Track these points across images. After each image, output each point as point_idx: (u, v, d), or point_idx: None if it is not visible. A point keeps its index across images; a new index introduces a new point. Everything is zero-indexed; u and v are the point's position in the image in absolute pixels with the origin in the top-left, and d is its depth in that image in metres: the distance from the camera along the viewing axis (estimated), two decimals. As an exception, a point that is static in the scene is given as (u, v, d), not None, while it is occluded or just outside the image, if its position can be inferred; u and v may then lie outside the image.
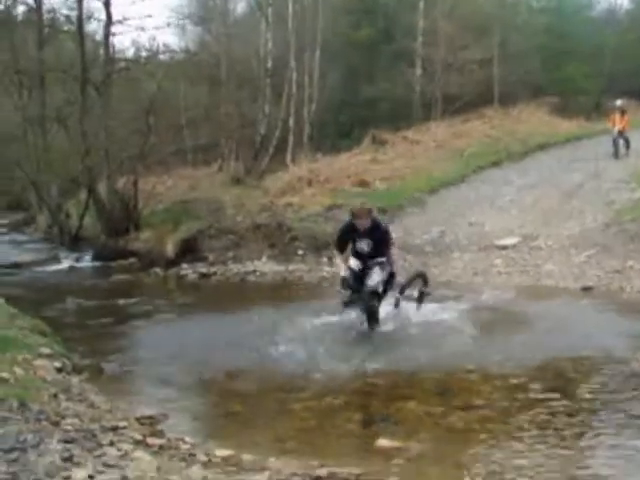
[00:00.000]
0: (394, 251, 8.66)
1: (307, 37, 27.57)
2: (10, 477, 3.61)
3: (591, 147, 22.14)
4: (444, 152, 22.72)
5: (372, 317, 8.09)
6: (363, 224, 8.22)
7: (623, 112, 20.70)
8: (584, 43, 33.24)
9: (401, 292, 8.82)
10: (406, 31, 29.74)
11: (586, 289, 10.62)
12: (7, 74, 22.47)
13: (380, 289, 8.22)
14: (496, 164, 21.52)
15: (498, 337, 8.06)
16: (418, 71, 29.08)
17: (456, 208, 16.62)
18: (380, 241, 8.25)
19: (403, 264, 13.64)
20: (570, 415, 5.41)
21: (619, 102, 21.25)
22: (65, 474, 3.69)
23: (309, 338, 7.77)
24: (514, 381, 6.34)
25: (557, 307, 9.65)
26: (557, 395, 5.87)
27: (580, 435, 5.04)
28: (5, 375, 5.53)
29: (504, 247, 13.57)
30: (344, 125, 29.95)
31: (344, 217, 15.61)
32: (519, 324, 8.67)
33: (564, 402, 5.71)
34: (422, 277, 9.38)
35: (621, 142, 20.25)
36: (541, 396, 5.87)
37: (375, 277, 8.10)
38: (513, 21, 33.02)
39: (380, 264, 8.16)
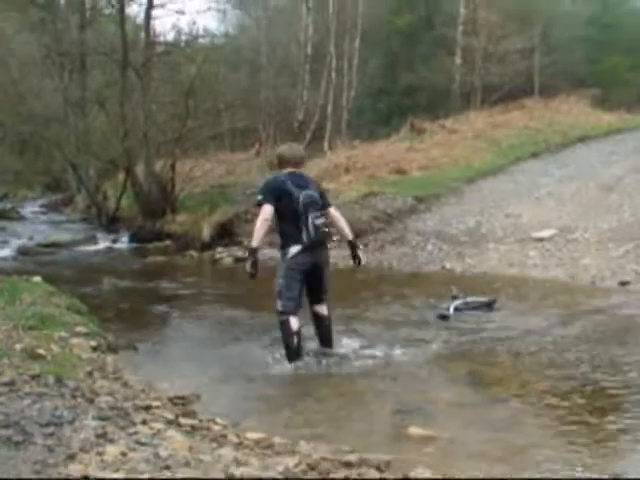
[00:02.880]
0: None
1: (347, 23, 27.50)
2: (46, 450, 3.68)
3: (632, 140, 21.89)
4: (482, 142, 22.57)
5: None
6: None
7: None
8: (628, 34, 32.76)
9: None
10: (447, 19, 29.57)
11: (623, 284, 10.50)
12: (49, 56, 22.72)
13: None
14: (535, 155, 21.35)
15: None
16: (458, 60, 28.90)
17: (493, 199, 16.51)
18: None
19: (439, 253, 13.63)
20: (607, 411, 5.38)
21: None
22: (99, 449, 3.75)
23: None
24: (551, 374, 6.30)
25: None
26: (599, 389, 5.82)
27: (617, 433, 4.99)
28: (42, 352, 5.62)
29: (540, 239, 13.45)
30: (382, 113, 29.86)
31: (380, 205, 15.74)
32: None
33: (605, 397, 5.67)
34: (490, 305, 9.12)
35: None
36: (581, 389, 5.83)
37: None
38: (556, 11, 32.63)
39: None
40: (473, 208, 15.96)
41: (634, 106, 28.92)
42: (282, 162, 6.92)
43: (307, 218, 6.64)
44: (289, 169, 6.86)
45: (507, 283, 11.06)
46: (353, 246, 7.14)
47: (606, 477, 4.16)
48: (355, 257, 7.16)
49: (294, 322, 6.66)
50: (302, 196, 6.66)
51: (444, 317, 8.41)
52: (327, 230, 6.92)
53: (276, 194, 6.66)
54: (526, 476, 4.18)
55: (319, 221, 6.72)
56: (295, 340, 6.66)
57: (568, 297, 9.84)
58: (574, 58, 30.95)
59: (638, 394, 5.64)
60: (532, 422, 5.17)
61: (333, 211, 7.06)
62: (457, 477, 4.05)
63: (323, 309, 7.00)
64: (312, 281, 6.86)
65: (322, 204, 6.86)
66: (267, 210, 6.60)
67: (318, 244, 6.79)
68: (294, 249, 6.69)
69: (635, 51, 32.11)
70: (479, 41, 28.32)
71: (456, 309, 8.72)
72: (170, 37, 24.90)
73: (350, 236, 7.13)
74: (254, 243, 6.71)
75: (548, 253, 12.72)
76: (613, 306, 9.13)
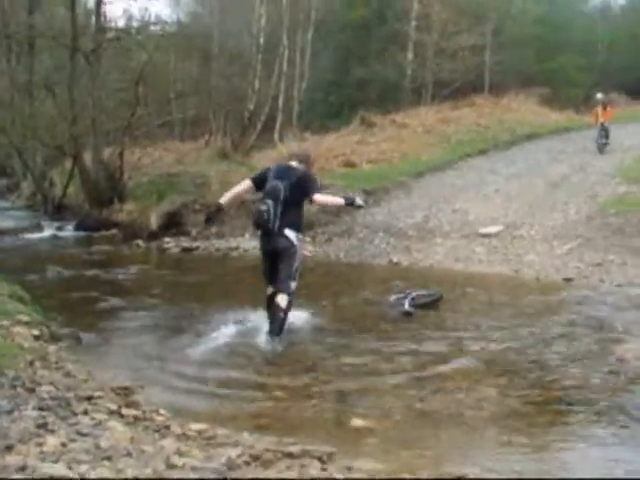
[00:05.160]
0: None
1: (301, 15, 27.46)
2: (-17, 441, 3.62)
3: (579, 139, 22.28)
4: (432, 137, 22.76)
5: None
6: None
7: (605, 106, 20.88)
8: (577, 36, 33.39)
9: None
10: (400, 14, 29.70)
11: (567, 280, 10.69)
12: (-5, 38, 22.27)
13: None
14: (483, 152, 21.60)
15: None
16: (410, 55, 29.06)
17: (441, 194, 16.66)
18: None
19: (386, 247, 13.71)
20: (544, 404, 5.46)
21: (600, 95, 21.56)
22: (38, 440, 3.69)
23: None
24: (491, 368, 6.38)
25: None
26: (533, 384, 5.91)
27: (553, 425, 5.08)
28: (-19, 340, 5.52)
29: (487, 235, 13.62)
30: (333, 105, 29.93)
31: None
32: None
33: (539, 392, 5.75)
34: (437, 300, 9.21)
35: (603, 133, 20.39)
36: (519, 385, 5.91)
37: None
38: (508, 9, 33.01)
39: None
40: (421, 203, 16.09)
41: (582, 106, 29.41)
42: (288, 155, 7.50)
43: (265, 204, 7.23)
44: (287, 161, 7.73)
45: (452, 277, 11.18)
46: (350, 204, 7.64)
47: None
48: (358, 207, 7.89)
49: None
50: (268, 185, 7.29)
51: (408, 314, 8.44)
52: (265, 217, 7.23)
53: (260, 176, 7.53)
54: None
55: (263, 207, 7.21)
56: None
57: (512, 292, 9.98)
58: (524, 57, 31.38)
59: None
60: (471, 414, 5.24)
61: (317, 197, 7.43)
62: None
63: (279, 298, 7.17)
64: (272, 267, 7.37)
65: (290, 197, 7.22)
66: (244, 182, 7.64)
67: (268, 231, 7.26)
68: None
69: (584, 52, 32.68)
70: (431, 37, 28.50)
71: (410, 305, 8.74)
72: (121, 23, 24.60)
73: (342, 202, 7.70)
74: (221, 200, 7.58)
75: (494, 249, 12.89)
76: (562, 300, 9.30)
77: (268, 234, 7.29)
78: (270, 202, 7.19)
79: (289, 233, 7.28)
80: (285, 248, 7.26)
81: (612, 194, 15.12)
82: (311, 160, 8.09)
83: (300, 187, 7.29)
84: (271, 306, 7.34)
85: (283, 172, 7.43)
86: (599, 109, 20.80)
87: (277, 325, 7.15)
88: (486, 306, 9.13)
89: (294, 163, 7.59)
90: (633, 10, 39.15)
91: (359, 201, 7.80)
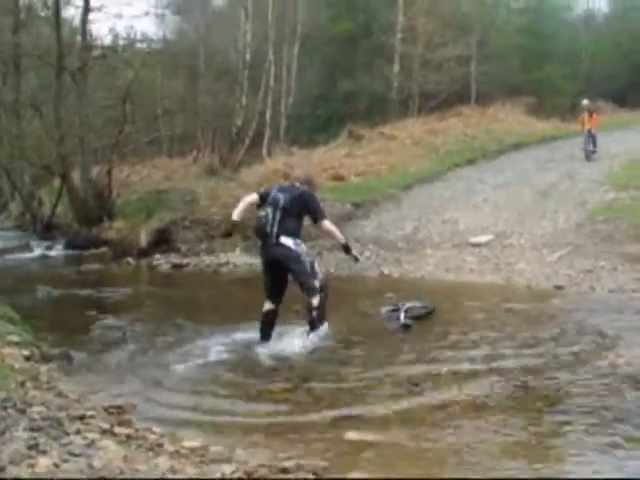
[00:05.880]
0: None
1: (286, 30, 27.53)
2: (-27, 464, 3.58)
3: (566, 148, 22.37)
4: (420, 149, 22.83)
5: None
6: None
7: (591, 113, 20.94)
8: (562, 45, 33.58)
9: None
10: (385, 27, 29.80)
11: (558, 288, 10.70)
12: (-19, 58, 22.23)
13: None
14: (471, 162, 21.68)
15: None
16: (396, 67, 29.14)
17: (430, 205, 16.69)
18: None
19: (376, 259, 13.70)
20: (539, 411, 5.45)
21: (585, 102, 21.60)
22: (30, 462, 3.66)
23: (279, 330, 7.76)
24: (482, 379, 6.36)
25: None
26: (527, 393, 5.91)
27: (550, 433, 5.07)
28: (-28, 362, 5.48)
29: (477, 245, 13.64)
30: (321, 119, 29.99)
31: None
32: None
33: (535, 399, 5.75)
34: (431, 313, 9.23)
35: (590, 140, 20.45)
36: (511, 394, 5.90)
37: None
38: (492, 20, 33.20)
39: None
40: (410, 214, 16.11)
41: (568, 114, 29.56)
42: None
43: (264, 211, 7.51)
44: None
45: (444, 288, 11.18)
46: (346, 248, 7.98)
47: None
48: (352, 258, 8.24)
49: None
50: (270, 197, 7.54)
51: (406, 326, 8.43)
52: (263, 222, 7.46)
53: (266, 191, 7.81)
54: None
55: (262, 213, 7.49)
56: None
57: (504, 301, 9.98)
58: (510, 66, 31.55)
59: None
60: (468, 424, 5.22)
61: (326, 223, 7.73)
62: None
63: (311, 300, 7.41)
64: (273, 280, 7.65)
65: (290, 208, 7.44)
66: (251, 194, 7.88)
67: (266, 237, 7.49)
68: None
69: (569, 61, 32.87)
70: (417, 49, 28.61)
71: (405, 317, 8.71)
72: (107, 41, 24.61)
73: (342, 240, 7.92)
74: (233, 216, 7.72)
75: (484, 258, 12.91)
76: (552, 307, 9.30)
77: (266, 242, 7.45)
78: (269, 209, 7.43)
79: (286, 240, 7.38)
80: (287, 257, 7.40)
81: (601, 201, 15.18)
82: (314, 183, 8.22)
83: (302, 202, 7.53)
84: (265, 323, 7.53)
85: (286, 188, 7.77)
86: (585, 116, 20.86)
87: (312, 323, 7.39)
88: (479, 316, 9.12)
89: (297, 184, 7.78)
90: (616, 19, 39.45)
91: (356, 253, 8.38)
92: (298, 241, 7.51)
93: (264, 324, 7.56)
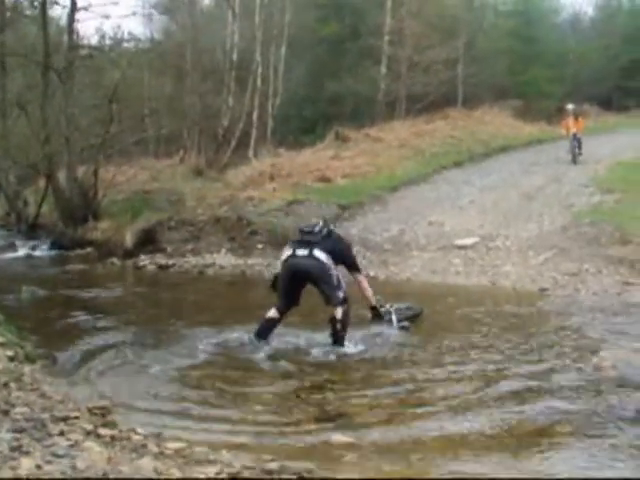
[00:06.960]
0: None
1: (274, 30, 27.50)
2: (-45, 466, 3.55)
3: (552, 151, 22.45)
4: (406, 151, 22.83)
5: None
6: None
7: (577, 116, 20.98)
8: (549, 48, 33.69)
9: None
10: (373, 29, 29.79)
11: (543, 290, 10.75)
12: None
13: None
14: (458, 165, 21.72)
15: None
16: (383, 69, 29.13)
17: (416, 207, 16.70)
18: None
19: (362, 261, 13.69)
20: (522, 414, 5.47)
21: (570, 106, 21.61)
22: (13, 464, 3.62)
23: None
24: (467, 380, 6.38)
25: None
26: (513, 395, 5.93)
27: (534, 434, 5.09)
28: (-46, 362, 5.44)
29: (463, 247, 13.67)
30: (308, 120, 29.97)
31: (305, 212, 15.74)
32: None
33: (518, 401, 5.76)
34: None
35: (575, 144, 20.51)
36: (497, 397, 5.92)
37: None
38: (480, 23, 33.29)
39: None
40: (397, 216, 16.11)
41: (554, 117, 29.67)
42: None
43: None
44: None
45: (430, 290, 11.21)
46: (375, 311, 8.19)
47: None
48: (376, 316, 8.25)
49: None
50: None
51: (404, 328, 8.43)
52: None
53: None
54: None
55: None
56: None
57: (489, 304, 10.00)
58: (497, 69, 31.65)
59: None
60: (453, 427, 5.23)
61: (362, 280, 8.07)
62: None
63: (335, 312, 7.47)
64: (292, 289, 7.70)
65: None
66: None
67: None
68: None
69: (555, 64, 32.99)
70: (404, 51, 28.64)
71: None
72: (94, 41, 24.53)
73: (372, 303, 8.14)
74: None
75: (470, 260, 12.94)
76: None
77: (296, 254, 7.50)
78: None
79: (319, 254, 7.44)
80: (320, 269, 7.43)
81: (586, 204, 15.24)
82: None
83: (337, 250, 7.68)
84: (265, 327, 7.55)
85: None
86: (570, 120, 20.91)
87: (336, 337, 7.43)
88: (465, 317, 9.14)
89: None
90: (602, 22, 39.70)
91: (393, 319, 8.33)
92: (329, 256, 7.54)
93: (264, 327, 7.58)
